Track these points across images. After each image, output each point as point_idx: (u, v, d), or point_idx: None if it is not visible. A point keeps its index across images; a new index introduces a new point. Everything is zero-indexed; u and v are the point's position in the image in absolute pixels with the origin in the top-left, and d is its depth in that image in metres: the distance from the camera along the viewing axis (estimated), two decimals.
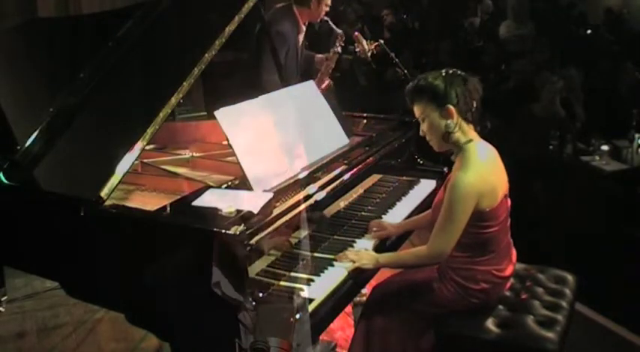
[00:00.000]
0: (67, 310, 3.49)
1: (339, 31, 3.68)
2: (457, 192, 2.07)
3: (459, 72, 2.19)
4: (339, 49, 3.72)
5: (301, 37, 3.64)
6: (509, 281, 2.34)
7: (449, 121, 2.13)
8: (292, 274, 2.05)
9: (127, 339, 3.19)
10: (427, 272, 2.32)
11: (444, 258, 2.16)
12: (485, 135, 2.27)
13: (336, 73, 3.84)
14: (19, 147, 2.39)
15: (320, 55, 3.84)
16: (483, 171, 2.11)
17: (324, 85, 3.72)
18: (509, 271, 2.27)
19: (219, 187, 2.19)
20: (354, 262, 2.16)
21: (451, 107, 2.12)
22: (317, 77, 3.70)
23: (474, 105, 2.16)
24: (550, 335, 2.14)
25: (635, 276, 3.53)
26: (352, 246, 2.30)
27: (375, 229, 2.45)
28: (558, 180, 4.62)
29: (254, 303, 1.78)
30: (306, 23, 3.65)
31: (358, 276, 2.16)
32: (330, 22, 3.68)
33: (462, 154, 2.15)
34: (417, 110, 2.21)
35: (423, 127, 2.21)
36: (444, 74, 2.16)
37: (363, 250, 2.26)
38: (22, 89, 2.79)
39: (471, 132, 2.18)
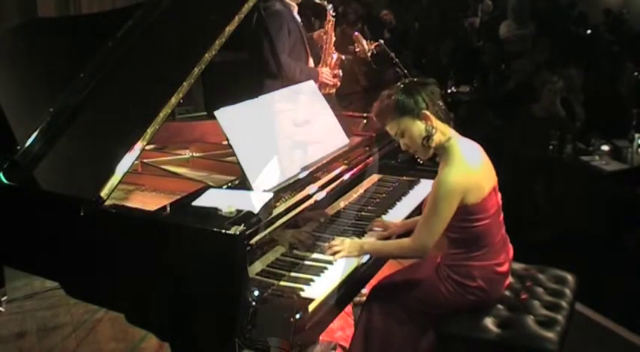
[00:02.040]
0: (67, 310, 3.49)
1: (329, 6, 3.64)
2: (442, 188, 2.10)
3: (414, 80, 2.25)
4: (333, 19, 3.67)
5: (297, 16, 3.61)
6: (508, 280, 2.34)
7: (428, 126, 2.17)
8: (292, 274, 2.05)
9: (126, 339, 3.19)
10: (426, 271, 2.32)
11: (427, 251, 2.17)
12: (485, 135, 2.27)
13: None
14: (19, 147, 2.39)
15: (316, 32, 3.81)
16: (467, 166, 2.14)
17: (335, 59, 3.65)
18: (505, 267, 2.28)
19: (219, 187, 2.19)
20: (339, 252, 2.18)
21: (426, 112, 2.16)
22: (322, 53, 3.67)
23: (440, 104, 2.20)
24: (550, 335, 2.14)
25: (635, 276, 3.53)
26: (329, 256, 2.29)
27: (377, 229, 2.45)
28: (558, 180, 4.62)
29: (254, 303, 1.78)
30: (294, 3, 3.60)
31: (358, 276, 2.16)
32: None
33: (444, 153, 2.19)
34: (391, 129, 2.24)
35: (404, 141, 2.24)
36: (402, 87, 2.21)
37: (347, 239, 2.27)
38: (23, 89, 2.79)
39: (448, 130, 2.21)
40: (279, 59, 3.29)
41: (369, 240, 2.33)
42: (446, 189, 2.10)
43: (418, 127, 2.18)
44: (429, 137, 2.17)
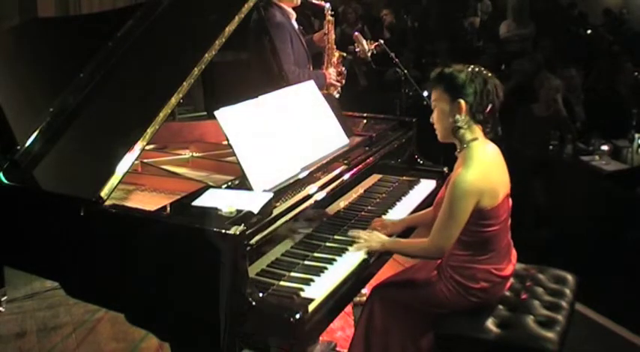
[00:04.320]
0: (67, 310, 3.49)
1: (326, 4, 3.63)
2: (458, 189, 2.09)
3: (484, 71, 2.21)
4: (332, 18, 3.67)
5: (295, 23, 3.61)
6: (509, 281, 2.34)
7: (457, 116, 2.16)
8: (292, 274, 2.05)
9: (127, 339, 3.19)
10: (427, 272, 2.32)
11: (444, 253, 2.19)
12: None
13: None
14: (19, 147, 2.39)
15: (317, 33, 3.81)
16: (485, 169, 2.13)
17: (337, 56, 3.66)
18: (508, 271, 2.28)
19: (219, 187, 2.19)
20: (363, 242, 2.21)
21: (462, 102, 2.14)
22: (325, 53, 3.68)
23: (489, 107, 2.17)
24: (550, 335, 2.14)
25: (635, 276, 3.53)
26: (352, 246, 2.30)
27: (377, 229, 2.45)
28: (558, 180, 4.62)
29: (254, 303, 1.78)
30: (292, 10, 3.59)
31: (358, 276, 2.16)
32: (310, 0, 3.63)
33: (465, 152, 2.17)
34: (433, 95, 2.24)
35: (434, 113, 2.24)
36: (469, 69, 2.19)
37: (375, 232, 2.30)
38: (22, 89, 2.79)
39: (477, 131, 2.19)
40: (280, 63, 3.28)
41: (391, 239, 2.34)
42: (462, 190, 2.08)
43: (448, 110, 2.17)
44: (456, 127, 2.16)
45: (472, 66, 2.21)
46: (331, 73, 3.59)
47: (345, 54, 3.74)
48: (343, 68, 3.70)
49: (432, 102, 2.24)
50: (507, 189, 2.21)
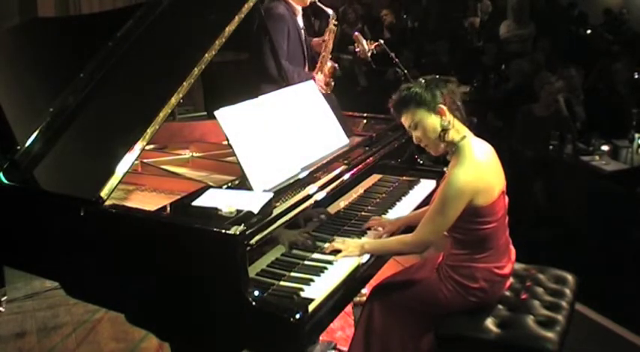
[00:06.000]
0: (67, 310, 3.49)
1: (330, 10, 3.63)
2: (452, 188, 2.10)
3: (436, 76, 2.26)
4: (334, 27, 3.68)
5: (300, 20, 3.59)
6: (509, 281, 2.34)
7: (443, 120, 2.17)
8: (292, 274, 2.05)
9: (127, 339, 3.19)
10: (427, 272, 2.32)
11: (427, 247, 2.22)
12: (485, 134, 2.28)
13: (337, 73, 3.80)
14: (19, 147, 2.39)
15: (316, 39, 3.81)
16: (479, 168, 2.13)
17: (329, 67, 3.66)
18: (508, 270, 2.28)
19: (219, 187, 2.19)
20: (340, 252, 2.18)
21: (442, 106, 2.17)
22: (319, 60, 3.68)
23: (459, 104, 2.22)
24: (550, 335, 2.14)
25: (635, 276, 3.53)
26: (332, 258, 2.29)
27: (375, 227, 2.45)
28: (558, 180, 4.62)
29: (254, 303, 1.78)
30: (300, 7, 3.58)
31: (358, 276, 2.16)
32: (319, 4, 3.63)
33: (457, 152, 2.18)
34: (406, 120, 2.24)
35: (417, 134, 2.23)
36: (423, 81, 2.23)
37: (348, 239, 2.27)
38: (22, 89, 2.79)
39: (463, 129, 2.21)
40: (280, 63, 3.28)
41: (370, 240, 2.33)
42: (456, 189, 2.09)
43: (433, 121, 2.18)
44: (445, 131, 2.17)
45: (421, 78, 2.25)
46: (319, 79, 3.59)
47: (337, 66, 3.74)
48: (332, 80, 3.70)
49: (410, 125, 2.23)
50: (502, 186, 2.22)
